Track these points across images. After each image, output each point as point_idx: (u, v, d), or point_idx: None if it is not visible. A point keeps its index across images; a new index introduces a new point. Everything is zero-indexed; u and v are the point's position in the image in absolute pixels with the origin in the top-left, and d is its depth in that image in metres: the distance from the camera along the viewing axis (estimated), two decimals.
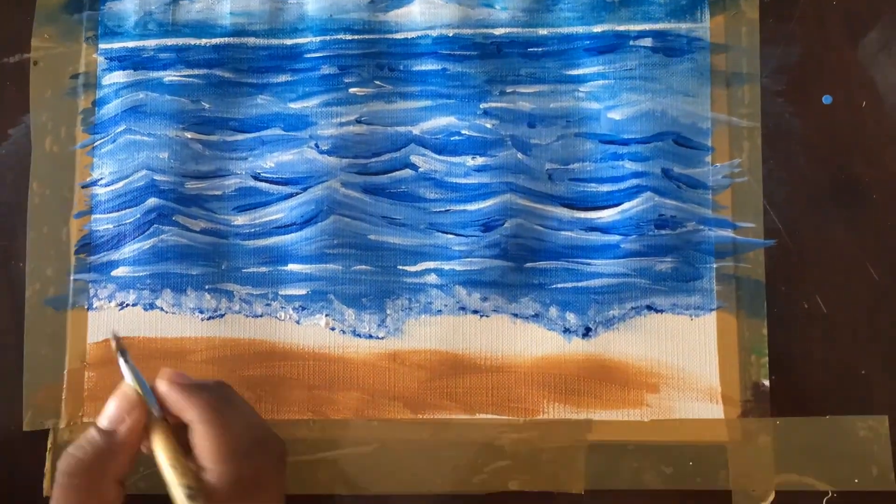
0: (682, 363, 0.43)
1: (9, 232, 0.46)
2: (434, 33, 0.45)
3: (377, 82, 0.45)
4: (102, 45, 0.47)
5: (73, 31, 0.47)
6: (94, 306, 0.45)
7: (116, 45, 0.46)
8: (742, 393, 0.42)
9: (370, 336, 0.44)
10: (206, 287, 0.45)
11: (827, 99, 0.44)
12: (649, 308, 0.43)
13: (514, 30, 0.45)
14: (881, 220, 0.43)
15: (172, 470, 0.35)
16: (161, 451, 0.35)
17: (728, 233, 0.43)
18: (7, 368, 0.45)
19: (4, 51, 0.47)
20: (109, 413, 0.36)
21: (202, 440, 0.35)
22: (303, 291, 0.44)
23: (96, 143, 0.46)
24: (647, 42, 0.44)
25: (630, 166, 0.44)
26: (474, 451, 0.43)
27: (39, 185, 0.46)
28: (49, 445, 0.44)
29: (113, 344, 0.37)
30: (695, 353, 0.43)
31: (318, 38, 0.45)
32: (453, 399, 0.44)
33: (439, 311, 0.44)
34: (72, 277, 0.45)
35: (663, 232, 0.43)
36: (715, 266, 0.43)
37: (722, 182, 0.44)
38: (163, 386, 0.36)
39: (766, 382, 0.42)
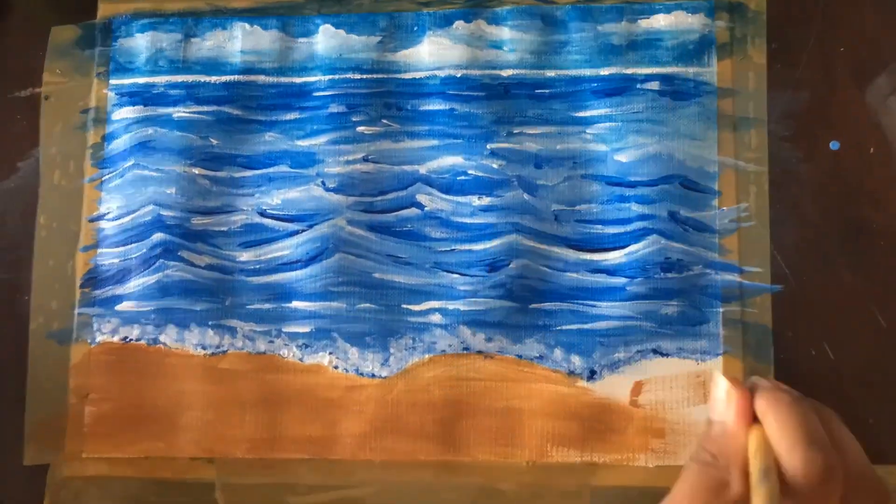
0: (688, 408, 0.42)
1: (15, 265, 0.46)
2: (442, 73, 0.45)
3: (385, 121, 0.45)
4: (113, 81, 0.47)
5: (84, 66, 0.47)
6: (98, 341, 0.45)
7: (127, 80, 0.47)
8: None
9: (373, 375, 0.44)
10: (210, 323, 0.45)
11: (834, 145, 0.44)
12: (655, 352, 0.43)
13: (522, 71, 0.45)
14: (889, 267, 0.43)
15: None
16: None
17: (734, 277, 0.43)
18: (9, 402, 0.44)
19: (17, 85, 0.47)
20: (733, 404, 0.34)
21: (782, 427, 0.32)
22: (306, 329, 0.44)
23: (104, 178, 0.46)
24: (655, 85, 0.44)
25: (636, 209, 0.44)
26: (476, 494, 0.43)
27: (47, 219, 0.46)
28: (48, 481, 0.44)
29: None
30: (700, 399, 0.42)
31: (327, 77, 0.46)
32: (456, 440, 0.43)
33: (443, 351, 0.44)
34: (76, 311, 0.45)
35: (669, 275, 0.43)
36: (721, 310, 0.43)
37: (729, 226, 0.44)
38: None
39: None
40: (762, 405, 0.33)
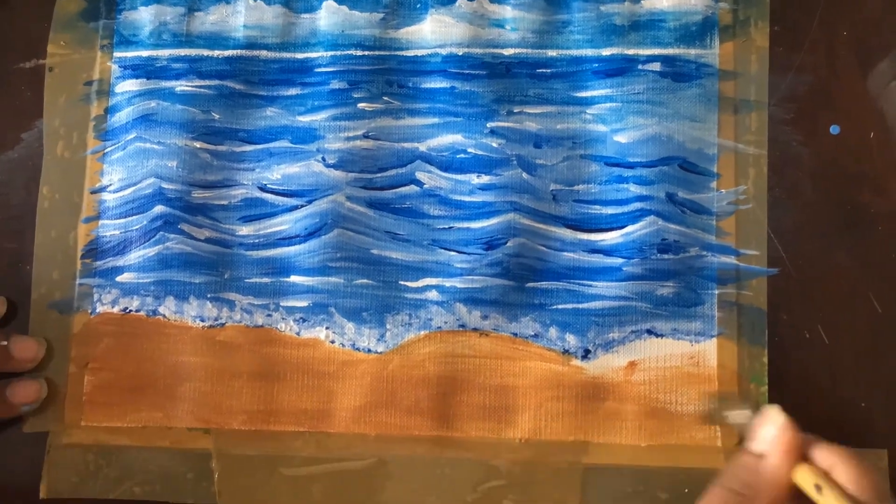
0: (681, 389, 0.43)
1: (18, 235, 0.46)
2: (444, 51, 0.45)
3: (386, 98, 0.46)
4: (117, 54, 0.47)
5: (88, 38, 0.47)
6: (98, 311, 0.45)
7: (131, 53, 0.47)
8: None
9: (369, 350, 0.44)
10: (209, 296, 0.45)
11: (835, 129, 0.44)
12: (649, 332, 0.43)
13: (524, 50, 0.45)
14: (886, 252, 0.43)
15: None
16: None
17: (731, 259, 0.43)
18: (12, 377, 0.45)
19: (21, 56, 0.48)
20: (770, 437, 0.35)
21: (858, 478, 0.33)
22: (304, 303, 0.45)
23: (107, 150, 0.46)
24: (656, 66, 0.44)
25: (635, 189, 0.44)
26: (470, 469, 0.43)
27: (49, 190, 0.46)
28: (47, 448, 0.44)
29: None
30: (694, 379, 0.43)
31: (329, 53, 0.46)
32: (450, 416, 0.43)
33: (439, 328, 0.44)
34: (77, 282, 0.46)
35: (666, 256, 0.43)
36: (717, 292, 0.43)
37: (726, 208, 0.44)
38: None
39: None
40: (833, 457, 0.34)
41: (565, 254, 0.44)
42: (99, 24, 0.47)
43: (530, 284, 0.44)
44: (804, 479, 0.34)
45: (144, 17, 0.47)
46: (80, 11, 0.48)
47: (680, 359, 0.43)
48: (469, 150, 0.45)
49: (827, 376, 0.42)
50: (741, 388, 0.42)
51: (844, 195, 0.43)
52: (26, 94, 0.47)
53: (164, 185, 0.45)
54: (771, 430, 0.35)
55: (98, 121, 0.47)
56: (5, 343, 0.43)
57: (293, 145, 0.46)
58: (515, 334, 0.44)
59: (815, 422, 0.42)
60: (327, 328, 0.44)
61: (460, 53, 0.45)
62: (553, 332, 0.44)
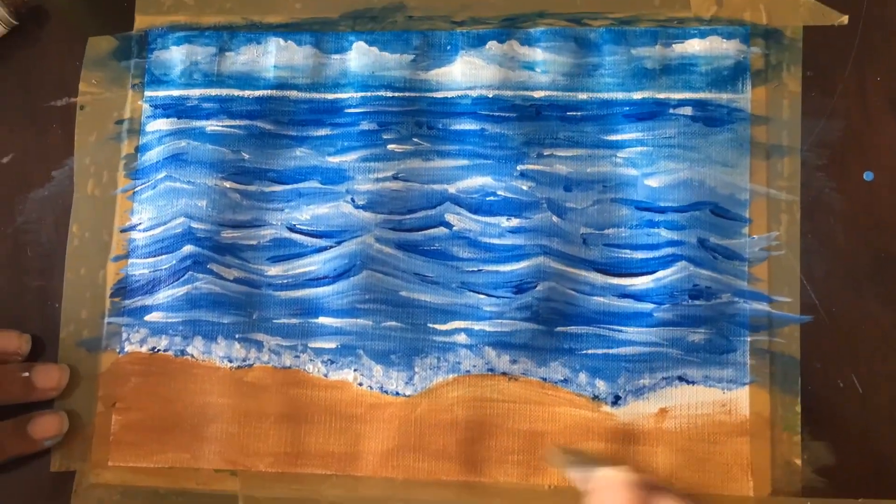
0: (713, 436, 0.42)
1: (47, 272, 0.46)
2: (474, 93, 0.45)
3: (415, 140, 0.46)
4: (148, 93, 0.47)
5: (120, 77, 0.48)
6: (126, 350, 0.45)
7: (162, 92, 0.47)
8: (773, 471, 0.42)
9: (397, 393, 0.44)
10: (237, 336, 0.45)
11: (868, 175, 0.43)
12: (681, 379, 0.43)
13: (554, 93, 0.45)
14: None
15: None
16: None
17: (763, 306, 0.43)
18: (38, 408, 0.45)
19: (52, 94, 0.48)
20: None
21: None
22: (332, 345, 0.44)
23: (137, 189, 0.47)
24: (687, 111, 0.44)
25: (666, 234, 0.43)
26: None
27: (79, 228, 0.46)
28: (74, 488, 0.44)
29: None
30: (726, 427, 0.42)
31: (359, 94, 0.46)
32: (478, 461, 0.43)
33: (468, 372, 0.44)
34: (106, 321, 0.46)
35: (697, 302, 0.43)
36: (749, 340, 0.43)
37: (759, 254, 0.43)
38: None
39: (798, 461, 0.42)
40: None
41: (595, 298, 0.44)
42: (130, 63, 0.48)
43: (560, 329, 0.44)
44: None
45: (176, 57, 0.47)
46: (111, 50, 0.48)
47: (711, 406, 0.42)
48: (499, 192, 0.45)
49: (861, 426, 0.42)
50: (774, 437, 0.42)
51: (878, 242, 0.43)
52: (57, 131, 0.48)
53: (194, 225, 0.45)
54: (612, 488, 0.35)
55: (128, 159, 0.47)
56: (27, 374, 0.43)
57: (322, 186, 0.46)
58: (545, 379, 0.43)
59: (848, 472, 0.41)
60: (355, 370, 0.44)
61: (490, 95, 0.45)
62: (583, 377, 0.43)
